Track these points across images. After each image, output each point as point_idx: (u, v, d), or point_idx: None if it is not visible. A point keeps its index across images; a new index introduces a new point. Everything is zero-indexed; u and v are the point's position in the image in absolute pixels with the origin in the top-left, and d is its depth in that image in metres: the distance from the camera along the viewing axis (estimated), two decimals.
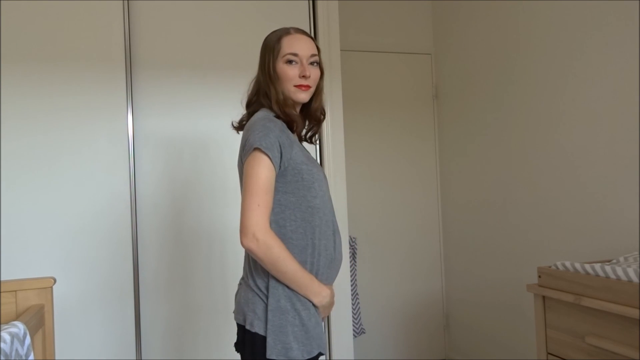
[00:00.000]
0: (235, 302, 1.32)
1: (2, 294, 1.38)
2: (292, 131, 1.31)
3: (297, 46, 1.29)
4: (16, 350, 1.11)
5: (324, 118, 1.40)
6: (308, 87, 1.30)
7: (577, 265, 1.44)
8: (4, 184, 1.94)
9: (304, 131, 1.40)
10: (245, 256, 1.33)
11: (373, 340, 2.97)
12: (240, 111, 2.25)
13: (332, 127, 2.34)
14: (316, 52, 1.32)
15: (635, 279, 1.27)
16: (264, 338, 1.19)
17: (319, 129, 1.41)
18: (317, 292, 1.23)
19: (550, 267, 1.54)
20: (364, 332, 2.84)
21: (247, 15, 2.26)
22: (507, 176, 2.52)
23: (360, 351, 2.91)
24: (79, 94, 2.03)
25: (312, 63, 1.31)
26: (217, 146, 2.21)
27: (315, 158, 2.35)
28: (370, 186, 3.03)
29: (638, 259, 1.55)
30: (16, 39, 1.97)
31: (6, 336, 1.07)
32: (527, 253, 2.39)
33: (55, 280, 1.46)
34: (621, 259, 1.57)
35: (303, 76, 1.28)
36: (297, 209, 1.24)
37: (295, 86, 1.29)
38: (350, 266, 2.65)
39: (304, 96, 1.30)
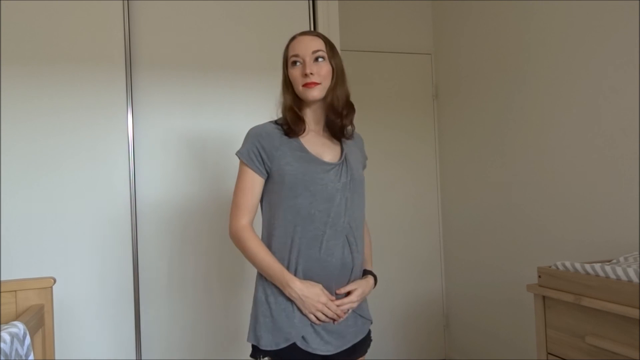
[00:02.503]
0: None
1: (2, 294, 1.38)
2: (292, 134, 1.33)
3: (298, 47, 1.33)
4: (16, 350, 1.11)
5: (348, 112, 1.38)
6: (315, 83, 1.31)
7: (577, 265, 1.44)
8: (4, 184, 1.94)
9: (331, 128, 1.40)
10: None
11: (373, 340, 2.97)
12: (239, 110, 2.26)
13: None
14: (319, 48, 1.33)
15: (635, 279, 1.27)
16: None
17: (344, 122, 1.37)
18: (285, 284, 1.27)
19: (550, 267, 1.54)
20: None
21: (247, 15, 2.26)
22: (507, 176, 2.52)
23: None
24: (79, 94, 2.03)
25: (316, 59, 1.33)
26: (217, 146, 2.21)
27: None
28: (370, 186, 3.01)
29: (638, 259, 1.55)
30: (16, 39, 1.97)
31: (6, 336, 1.07)
32: (527, 253, 2.39)
33: (55, 280, 1.47)
34: (621, 259, 1.57)
35: (305, 74, 1.31)
36: (280, 208, 1.31)
37: (303, 86, 1.32)
38: None
39: (313, 93, 1.32)
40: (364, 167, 1.51)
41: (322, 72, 1.32)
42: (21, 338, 1.15)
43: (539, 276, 1.56)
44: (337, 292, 1.32)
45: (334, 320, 1.30)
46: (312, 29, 2.34)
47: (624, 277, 1.30)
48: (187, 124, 2.17)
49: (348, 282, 1.33)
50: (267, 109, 2.21)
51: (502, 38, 2.52)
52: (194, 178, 2.17)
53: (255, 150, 1.32)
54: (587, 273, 1.40)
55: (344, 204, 1.31)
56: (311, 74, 1.30)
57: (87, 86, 2.04)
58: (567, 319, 1.46)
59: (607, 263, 1.53)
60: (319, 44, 1.33)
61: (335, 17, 2.36)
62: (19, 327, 1.15)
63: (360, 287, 1.34)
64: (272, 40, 2.27)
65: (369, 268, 1.44)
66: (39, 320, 1.37)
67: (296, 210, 1.29)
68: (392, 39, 3.11)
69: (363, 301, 1.40)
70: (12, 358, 1.08)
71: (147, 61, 2.13)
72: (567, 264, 1.48)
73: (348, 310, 1.32)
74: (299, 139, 1.35)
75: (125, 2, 2.09)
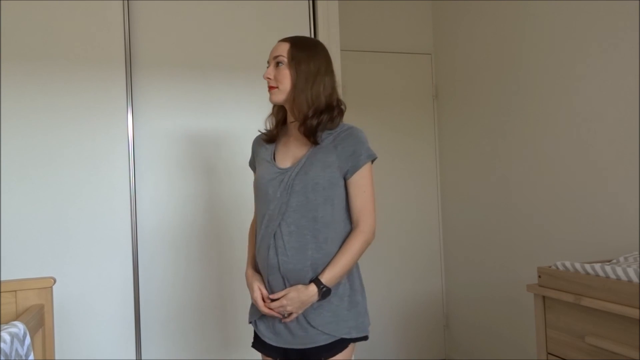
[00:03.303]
0: None
1: (2, 294, 1.38)
2: (268, 142, 1.46)
3: (270, 54, 1.42)
4: (16, 350, 1.11)
5: (314, 113, 1.34)
6: (271, 87, 1.39)
7: (577, 265, 1.44)
8: (4, 183, 1.94)
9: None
10: None
11: (373, 340, 2.97)
12: (239, 110, 2.26)
13: None
14: (279, 53, 1.38)
15: (635, 279, 1.27)
16: None
17: (309, 124, 1.35)
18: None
19: (550, 267, 1.54)
20: None
21: (247, 15, 2.26)
22: (507, 176, 2.52)
23: (360, 351, 2.91)
24: (79, 93, 2.03)
25: (277, 64, 1.38)
26: (217, 145, 2.21)
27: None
28: None
29: (638, 259, 1.55)
30: (16, 39, 1.97)
31: (6, 336, 1.07)
32: (527, 253, 2.39)
33: (55, 280, 1.46)
34: (621, 259, 1.57)
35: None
36: None
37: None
38: None
39: (271, 97, 1.40)
40: (356, 165, 1.36)
41: (278, 76, 1.37)
42: (21, 338, 1.15)
43: (539, 276, 1.56)
44: (271, 296, 1.36)
45: (282, 317, 1.35)
46: (312, 29, 2.34)
47: (624, 277, 1.30)
48: (187, 124, 2.17)
49: (284, 285, 1.35)
50: (267, 109, 2.21)
51: (501, 38, 2.52)
52: (193, 177, 2.17)
53: (252, 158, 1.55)
54: (587, 273, 1.40)
55: (278, 208, 1.35)
56: (268, 78, 1.39)
57: (87, 86, 2.04)
58: (567, 319, 1.46)
59: (607, 263, 1.53)
60: (281, 49, 1.38)
61: (335, 17, 2.36)
62: (19, 327, 1.15)
63: (291, 293, 1.31)
64: (272, 41, 2.26)
65: (322, 277, 1.31)
66: (39, 320, 1.37)
67: (256, 213, 1.46)
68: (392, 39, 3.11)
69: (316, 312, 1.33)
70: (12, 358, 1.08)
71: (147, 61, 2.13)
72: (567, 264, 1.48)
73: (285, 313, 1.33)
74: (275, 145, 1.46)
75: (125, 2, 2.09)
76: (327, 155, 1.36)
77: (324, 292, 1.31)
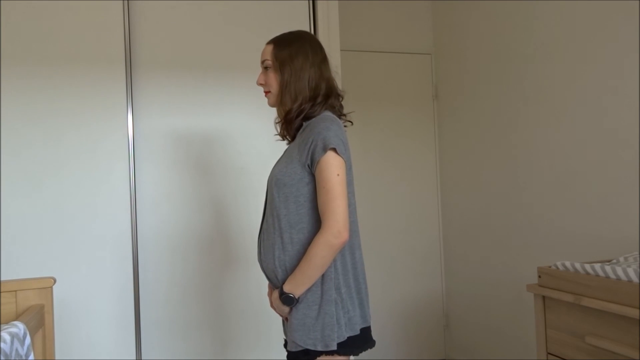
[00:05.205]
0: None
1: (2, 294, 1.38)
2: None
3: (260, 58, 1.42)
4: (16, 350, 1.11)
5: (291, 112, 1.33)
6: (265, 92, 1.40)
7: (577, 265, 1.44)
8: (4, 183, 1.94)
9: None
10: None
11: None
12: (239, 110, 2.26)
13: None
14: (265, 57, 1.38)
15: (635, 279, 1.27)
16: None
17: (285, 121, 1.36)
18: None
19: (550, 267, 1.54)
20: None
21: (247, 15, 2.26)
22: (506, 176, 2.52)
23: None
24: (79, 93, 2.03)
25: (265, 68, 1.39)
26: (217, 146, 2.21)
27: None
28: (370, 186, 3.03)
29: (638, 259, 1.55)
30: (16, 39, 1.97)
31: (6, 336, 1.07)
32: (527, 253, 2.39)
33: (55, 280, 1.46)
34: (621, 259, 1.57)
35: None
36: None
37: None
38: None
39: (268, 101, 1.41)
40: (314, 157, 1.24)
41: (268, 81, 1.38)
42: (21, 338, 1.15)
43: (539, 276, 1.56)
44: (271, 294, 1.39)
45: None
46: (312, 29, 2.34)
47: (624, 277, 1.30)
48: (187, 124, 2.17)
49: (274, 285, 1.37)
50: (266, 109, 2.22)
51: (502, 38, 2.52)
52: (194, 177, 2.17)
53: None
54: (587, 273, 1.40)
55: (264, 207, 1.41)
56: (260, 84, 1.40)
57: (87, 86, 2.04)
58: (567, 319, 1.46)
59: (607, 263, 1.53)
60: (266, 53, 1.38)
61: (335, 17, 2.36)
62: (19, 327, 1.15)
63: (271, 294, 1.36)
64: None
65: (285, 283, 1.26)
66: (39, 320, 1.37)
67: None
68: (392, 39, 3.11)
69: (291, 321, 1.27)
70: (12, 358, 1.08)
71: (147, 61, 2.13)
72: (567, 264, 1.48)
73: (281, 314, 1.34)
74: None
75: (125, 2, 2.09)
76: (293, 149, 1.31)
77: (285, 299, 1.25)
